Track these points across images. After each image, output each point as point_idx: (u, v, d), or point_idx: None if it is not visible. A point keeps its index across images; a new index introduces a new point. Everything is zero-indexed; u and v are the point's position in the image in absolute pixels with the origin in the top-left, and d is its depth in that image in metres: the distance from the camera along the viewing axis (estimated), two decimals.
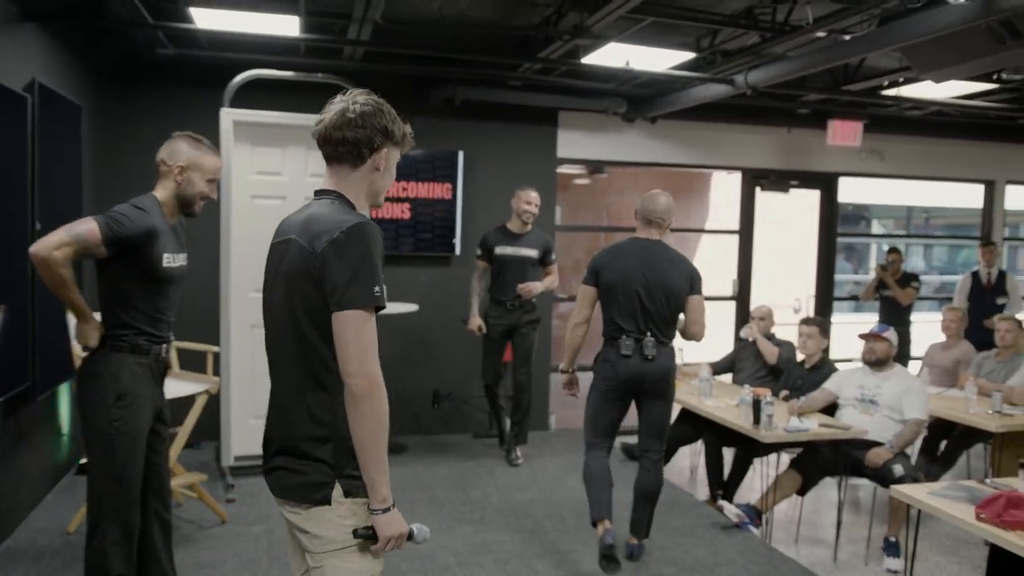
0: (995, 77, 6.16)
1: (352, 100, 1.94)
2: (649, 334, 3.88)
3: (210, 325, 5.04)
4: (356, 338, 1.78)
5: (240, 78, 5.11)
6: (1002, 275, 7.45)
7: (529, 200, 5.66)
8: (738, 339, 6.00)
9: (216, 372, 4.72)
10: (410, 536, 1.88)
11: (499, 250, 5.68)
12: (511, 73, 6.02)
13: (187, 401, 4.30)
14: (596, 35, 4.92)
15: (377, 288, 1.80)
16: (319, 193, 1.96)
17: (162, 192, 2.92)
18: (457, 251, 6.43)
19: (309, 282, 1.82)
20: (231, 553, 3.99)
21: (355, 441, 1.80)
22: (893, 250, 7.57)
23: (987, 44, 4.14)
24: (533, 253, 5.71)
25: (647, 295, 3.87)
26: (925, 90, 6.25)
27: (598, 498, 3.94)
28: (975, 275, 7.51)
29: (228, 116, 4.96)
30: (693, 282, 3.91)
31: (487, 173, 6.56)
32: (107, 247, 2.70)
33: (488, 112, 6.43)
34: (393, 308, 5.74)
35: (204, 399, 4.37)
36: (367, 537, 1.85)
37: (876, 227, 16.09)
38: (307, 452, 1.85)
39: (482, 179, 6.55)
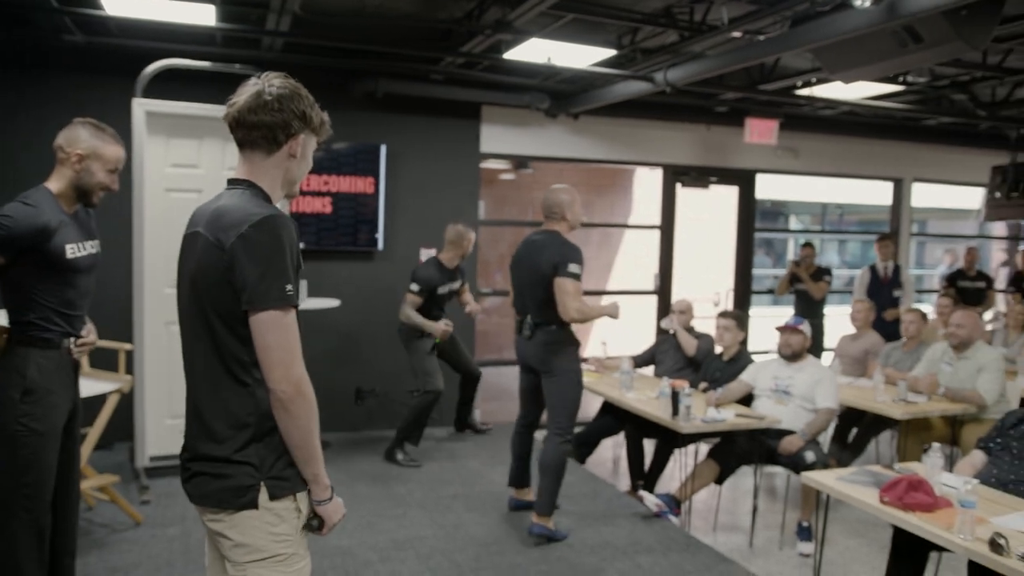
0: (901, 79, 6.45)
1: (268, 83, 1.87)
2: (529, 316, 4.28)
3: (123, 322, 4.90)
4: (278, 342, 1.74)
5: (153, 67, 4.97)
6: (898, 269, 7.79)
7: (471, 240, 5.87)
8: (660, 332, 6.13)
9: (129, 370, 4.59)
10: None
11: (440, 289, 5.80)
12: (433, 67, 6.01)
13: (98, 400, 4.18)
14: (518, 30, 4.96)
15: (289, 286, 1.75)
16: (231, 182, 1.89)
17: (57, 182, 2.78)
18: (380, 246, 6.39)
19: (218, 279, 1.75)
20: (145, 556, 3.90)
21: (289, 443, 1.78)
22: (807, 245, 7.83)
23: (891, 47, 4.32)
24: (457, 284, 5.97)
25: (526, 281, 4.28)
26: (836, 90, 6.48)
27: (512, 467, 4.70)
28: (872, 269, 7.84)
29: (141, 107, 4.82)
30: (556, 266, 4.09)
31: (410, 167, 6.54)
32: None
33: (411, 105, 6.41)
34: (314, 304, 5.70)
35: (116, 398, 4.25)
36: (316, 528, 1.89)
37: (793, 223, 16.62)
38: (228, 455, 1.78)
39: (405, 173, 6.52)
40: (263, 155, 1.86)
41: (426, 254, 6.52)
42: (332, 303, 5.84)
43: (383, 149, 6.32)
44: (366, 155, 6.28)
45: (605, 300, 6.38)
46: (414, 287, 5.65)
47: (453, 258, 5.83)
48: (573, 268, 4.02)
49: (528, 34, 5.05)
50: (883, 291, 7.64)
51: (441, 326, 5.81)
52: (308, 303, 5.67)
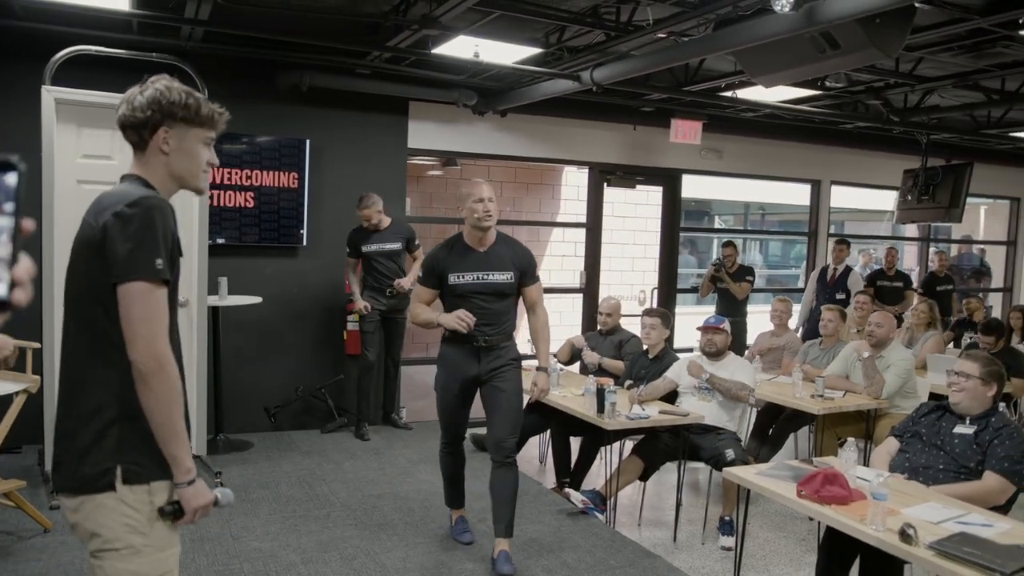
0: (819, 84, 6.67)
1: (141, 86, 1.91)
2: None
3: (31, 320, 4.70)
4: (142, 314, 1.74)
5: (63, 53, 4.77)
6: (847, 271, 8.03)
7: (364, 217, 6.02)
8: (588, 330, 6.19)
9: (37, 370, 4.40)
10: (216, 502, 1.89)
11: (365, 247, 6.06)
12: (360, 61, 5.95)
13: (5, 401, 4.00)
14: (445, 26, 4.94)
15: (160, 260, 1.75)
16: (122, 177, 1.94)
17: None
18: (304, 242, 6.29)
19: (92, 255, 1.77)
20: (54, 564, 3.75)
21: (150, 419, 1.76)
22: (728, 244, 8.00)
23: (810, 52, 4.46)
24: (396, 246, 6.09)
25: None
26: (758, 93, 6.66)
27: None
28: (824, 270, 8.08)
29: (50, 94, 4.62)
30: None
31: (336, 162, 6.45)
32: None
33: (337, 100, 6.32)
34: (236, 301, 5.57)
35: (23, 399, 4.08)
36: (174, 512, 1.82)
37: (718, 222, 17.00)
38: (88, 437, 1.78)
39: (330, 168, 6.43)
40: (140, 153, 1.92)
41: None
42: (254, 300, 5.73)
43: (307, 144, 6.22)
44: (290, 150, 6.18)
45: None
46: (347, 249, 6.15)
47: (365, 219, 6.01)
48: (420, 271, 4.02)
49: (455, 30, 5.04)
50: (826, 291, 7.89)
51: (359, 303, 6.07)
52: (229, 300, 5.55)
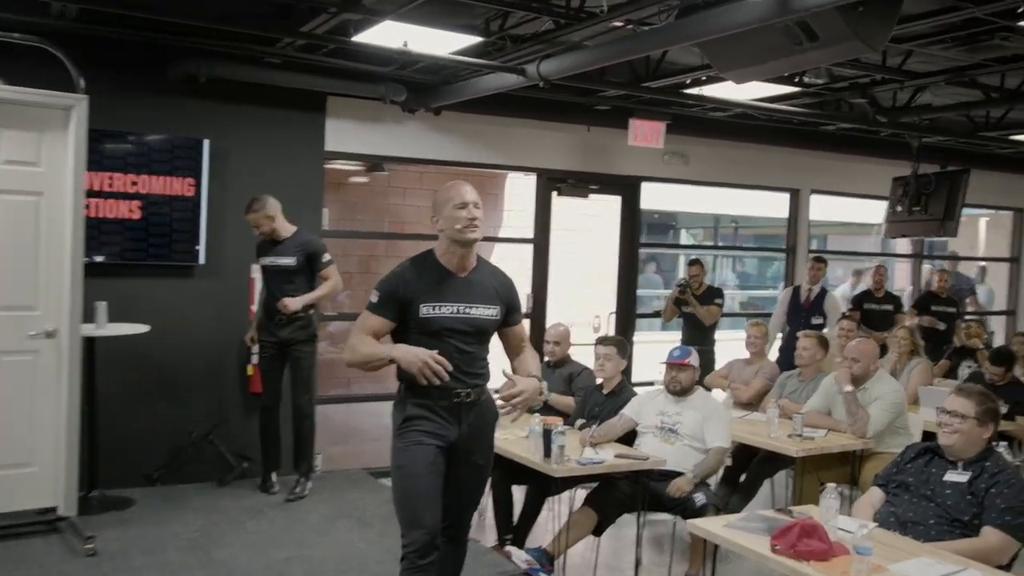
0: (797, 80, 6.83)
1: None
2: None
3: None
4: None
5: None
6: (823, 293, 8.18)
7: (252, 224, 5.84)
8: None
9: None
10: None
11: (261, 260, 5.96)
12: (269, 48, 5.91)
13: None
14: (368, 9, 4.95)
15: None
16: None
17: None
18: (201, 259, 6.19)
19: None
20: None
21: None
22: (695, 262, 8.08)
23: (785, 45, 4.55)
24: (291, 262, 5.82)
25: None
26: (728, 90, 6.79)
27: None
28: (796, 290, 8.22)
29: None
30: None
31: (240, 167, 6.38)
32: None
33: (241, 93, 6.27)
34: (116, 330, 5.47)
35: None
36: None
37: (684, 237, 17.26)
38: None
39: (234, 174, 6.35)
40: None
41: (258, 272, 6.36)
42: (139, 329, 5.61)
43: (206, 145, 6.14)
44: (185, 151, 6.09)
45: None
46: None
47: (253, 227, 5.87)
48: (371, 295, 3.42)
49: (380, 14, 5.04)
50: (801, 316, 8.01)
51: (249, 333, 6.11)
52: (108, 329, 5.43)
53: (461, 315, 3.38)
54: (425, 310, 3.33)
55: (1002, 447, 4.08)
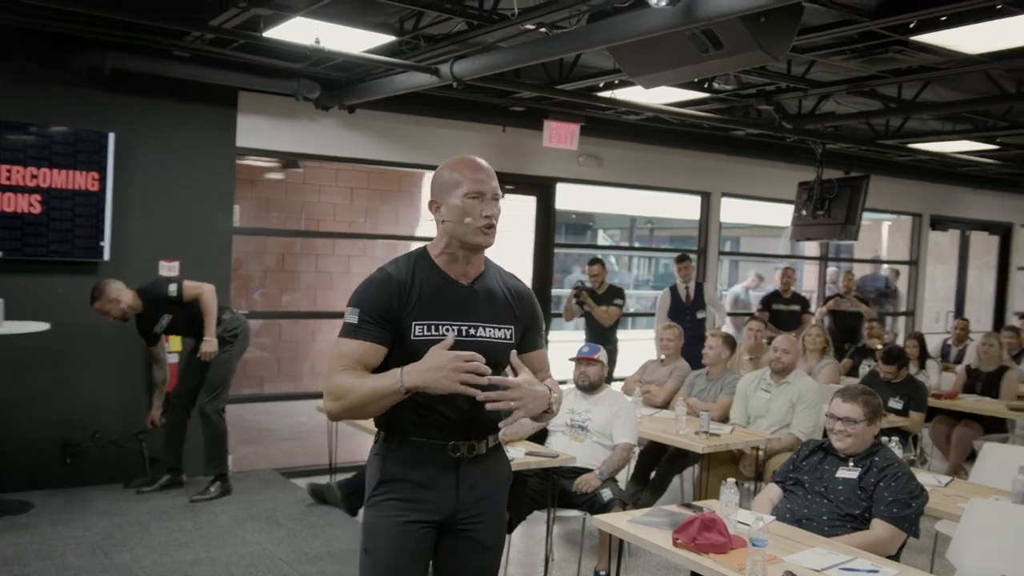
0: (707, 86, 6.99)
1: None
2: None
3: None
4: None
5: None
6: (699, 288, 8.41)
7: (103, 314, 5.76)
8: None
9: None
10: None
11: (155, 330, 5.95)
12: (178, 41, 5.81)
13: None
14: (280, 5, 4.91)
15: None
16: None
17: None
18: (106, 256, 6.05)
19: None
20: None
21: None
22: (595, 262, 8.15)
23: (692, 52, 4.67)
24: (166, 319, 5.88)
25: None
26: (639, 94, 6.91)
27: None
28: (673, 290, 8.41)
29: None
30: None
31: (148, 161, 6.26)
32: None
33: (149, 86, 6.15)
34: (14, 328, 5.32)
35: None
36: None
37: (602, 238, 17.48)
38: None
39: (141, 168, 6.23)
40: None
41: (166, 268, 6.26)
42: (39, 327, 5.46)
43: (111, 138, 6.01)
44: (89, 144, 5.95)
45: None
46: None
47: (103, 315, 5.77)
48: (346, 313, 2.52)
49: (292, 10, 5.01)
50: (686, 314, 8.20)
51: (151, 415, 6.16)
52: (6, 327, 5.27)
53: (465, 338, 2.50)
54: (418, 330, 2.48)
55: (893, 442, 4.26)
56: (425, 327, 2.49)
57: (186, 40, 5.78)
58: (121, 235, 6.13)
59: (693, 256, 9.16)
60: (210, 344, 5.78)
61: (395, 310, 2.47)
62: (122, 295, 5.66)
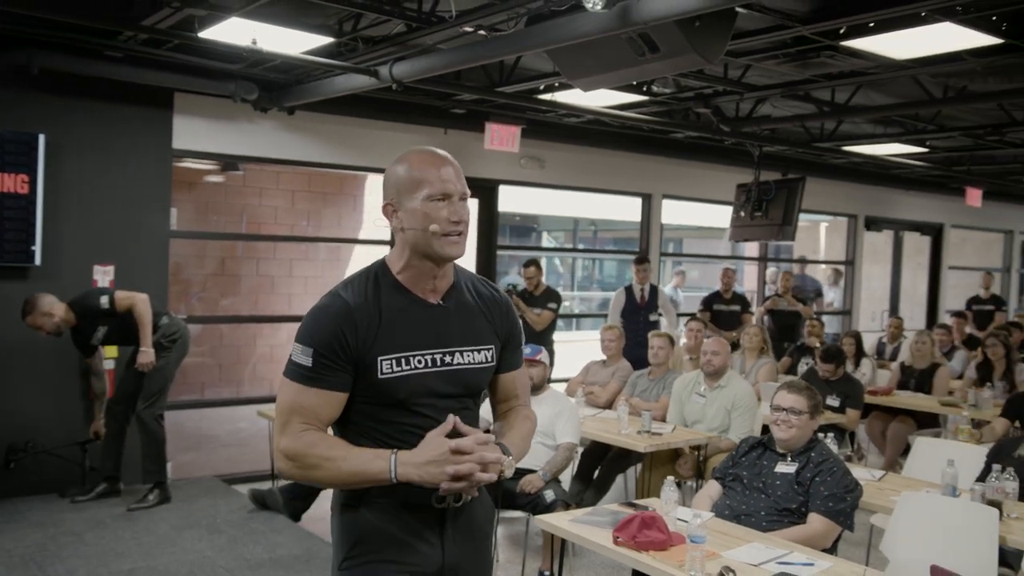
0: (645, 89, 7.05)
1: None
2: None
3: None
4: None
5: None
6: (654, 290, 8.49)
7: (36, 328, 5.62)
8: None
9: None
10: None
11: (93, 340, 5.84)
12: (110, 41, 5.70)
13: None
14: (215, 5, 4.84)
15: None
16: None
17: None
18: (37, 260, 5.90)
19: None
20: None
21: None
22: (530, 264, 8.15)
23: (629, 55, 4.72)
24: (103, 331, 5.76)
25: None
26: (579, 97, 6.95)
27: None
28: (628, 290, 8.48)
29: None
30: None
31: (80, 163, 6.13)
32: None
33: (80, 87, 6.03)
34: None
35: None
36: None
37: (546, 240, 17.54)
38: None
39: (73, 171, 6.09)
40: None
41: (101, 273, 6.14)
42: None
43: (41, 139, 5.87)
44: (17, 146, 5.80)
45: None
46: None
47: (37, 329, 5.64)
48: (294, 352, 2.09)
49: (228, 10, 4.94)
50: (640, 315, 8.26)
51: (93, 427, 6.04)
52: None
53: (439, 368, 2.14)
54: (386, 366, 2.08)
55: (829, 438, 4.35)
56: (394, 361, 2.08)
57: (118, 40, 5.67)
58: (53, 239, 5.98)
59: (652, 259, 9.25)
60: (147, 355, 5.68)
61: (356, 347, 2.06)
62: (55, 308, 5.54)
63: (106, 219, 6.21)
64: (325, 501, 5.89)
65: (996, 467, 4.12)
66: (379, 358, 2.07)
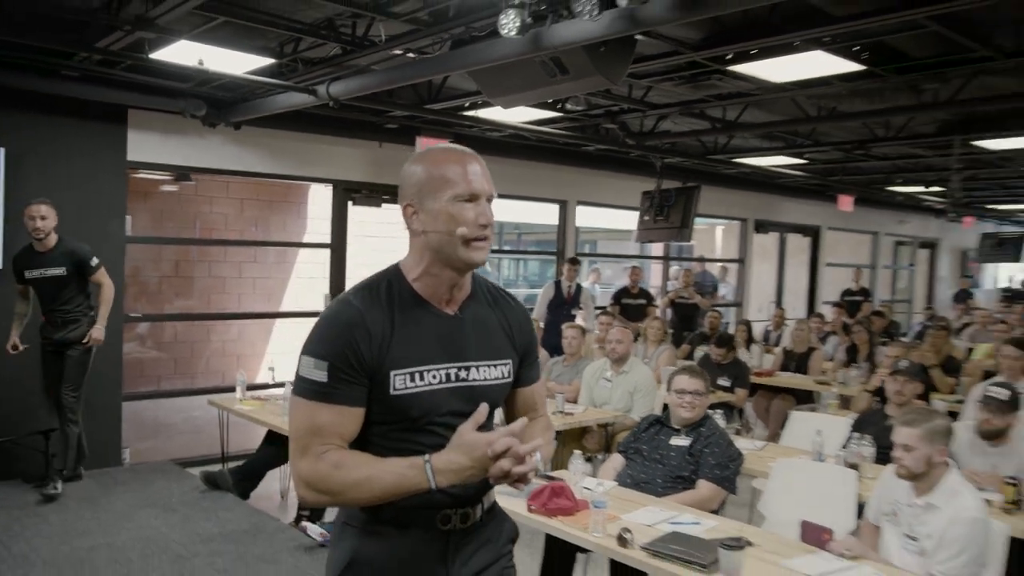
0: (560, 106, 7.14)
1: None
2: None
3: None
4: None
5: None
6: (579, 289, 8.58)
7: (31, 215, 5.34)
8: None
9: None
10: None
11: (27, 274, 5.47)
12: (66, 61, 5.56)
13: None
14: (164, 29, 4.76)
15: None
16: None
17: None
18: None
19: None
20: None
21: None
22: None
23: (542, 76, 4.76)
24: (60, 271, 5.45)
25: None
26: (500, 114, 7.00)
27: None
28: (557, 285, 8.56)
29: None
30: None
31: (39, 175, 5.95)
32: None
33: (39, 104, 5.85)
34: None
35: None
36: None
37: None
38: None
39: (32, 182, 5.90)
40: None
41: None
42: None
43: (2, 153, 5.70)
44: None
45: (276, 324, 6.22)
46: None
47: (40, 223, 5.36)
48: (304, 367, 1.77)
49: (175, 34, 4.86)
50: (564, 308, 8.37)
51: (10, 340, 5.54)
52: None
53: (456, 383, 1.82)
54: (399, 382, 1.76)
55: (718, 414, 4.47)
56: (408, 376, 1.76)
57: (75, 60, 5.54)
58: (14, 245, 5.78)
59: (582, 260, 9.34)
60: (100, 331, 5.47)
61: (370, 358, 1.73)
62: (52, 218, 5.37)
63: (65, 227, 6.01)
64: (272, 481, 5.85)
65: (855, 435, 4.30)
66: (392, 372, 1.74)
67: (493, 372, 1.87)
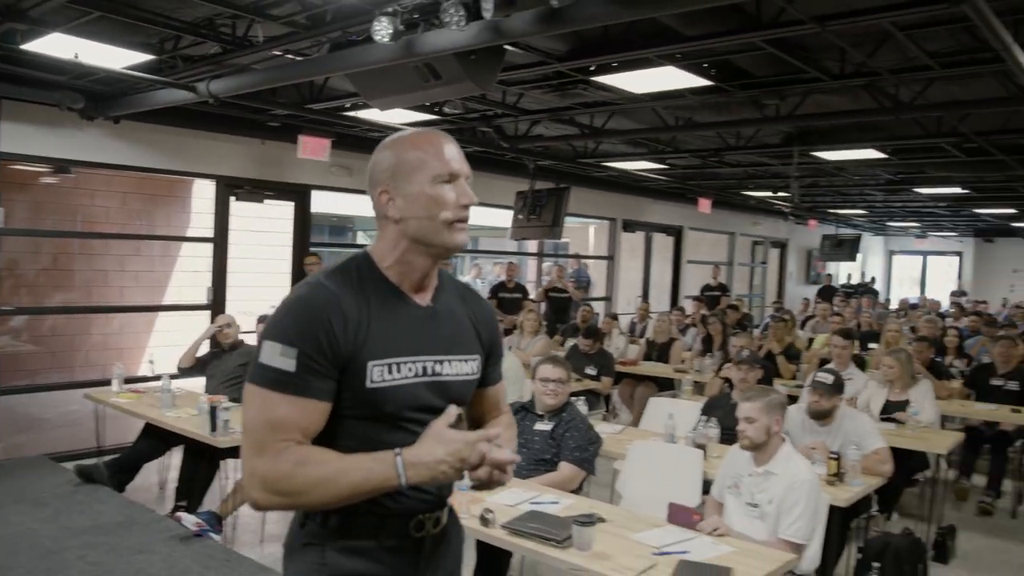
0: (437, 109, 7.12)
1: None
2: None
3: None
4: None
5: None
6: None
7: None
8: (214, 346, 5.96)
9: None
10: None
11: None
12: None
13: None
14: (35, 20, 4.48)
15: None
16: None
17: None
18: None
19: None
20: None
21: None
22: (310, 255, 7.95)
23: (416, 81, 4.74)
24: None
25: None
26: (378, 115, 6.92)
27: None
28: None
29: None
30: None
31: None
32: None
33: None
34: None
35: None
36: None
37: (361, 238, 17.30)
38: None
39: None
40: None
41: None
42: None
43: None
44: None
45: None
46: None
47: None
48: (267, 354, 1.53)
49: (49, 26, 4.59)
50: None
51: None
52: None
53: (429, 378, 1.65)
54: (376, 374, 1.57)
55: (580, 400, 4.57)
56: (385, 368, 1.57)
57: None
58: None
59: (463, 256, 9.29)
60: None
61: (347, 346, 1.53)
62: None
63: None
64: (150, 473, 5.62)
65: (703, 418, 4.48)
66: (370, 363, 1.55)
67: (464, 367, 1.72)
